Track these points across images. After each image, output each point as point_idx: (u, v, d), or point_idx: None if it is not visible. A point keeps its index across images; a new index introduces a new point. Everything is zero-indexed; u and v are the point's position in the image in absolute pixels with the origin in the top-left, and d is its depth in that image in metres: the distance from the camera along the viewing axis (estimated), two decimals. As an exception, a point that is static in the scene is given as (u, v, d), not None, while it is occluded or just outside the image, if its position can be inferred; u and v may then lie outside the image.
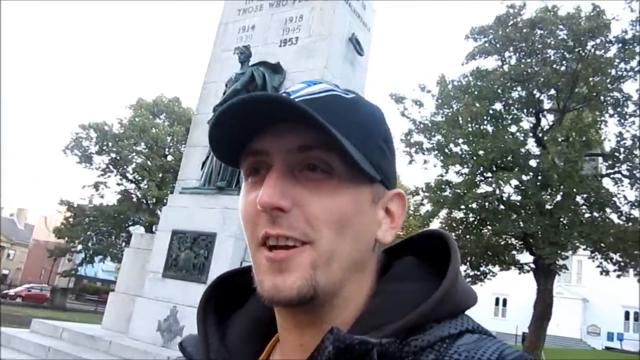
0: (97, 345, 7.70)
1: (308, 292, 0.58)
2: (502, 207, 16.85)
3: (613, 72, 16.80)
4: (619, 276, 17.27)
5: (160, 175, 31.96)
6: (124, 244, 32.30)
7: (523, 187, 16.55)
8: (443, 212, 18.62)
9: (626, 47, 16.43)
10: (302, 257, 0.59)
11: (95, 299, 46.90)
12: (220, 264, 7.42)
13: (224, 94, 8.95)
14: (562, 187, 15.77)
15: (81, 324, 9.77)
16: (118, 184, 34.01)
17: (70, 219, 30.82)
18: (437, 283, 0.62)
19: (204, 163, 8.79)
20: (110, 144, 31.87)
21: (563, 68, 17.16)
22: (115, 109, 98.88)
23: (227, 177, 8.25)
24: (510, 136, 17.77)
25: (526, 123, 18.92)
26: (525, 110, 18.56)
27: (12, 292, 38.06)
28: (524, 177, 16.49)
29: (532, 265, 17.43)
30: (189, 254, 7.87)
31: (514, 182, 16.84)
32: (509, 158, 16.74)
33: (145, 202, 33.02)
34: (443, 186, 18.23)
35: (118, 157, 31.87)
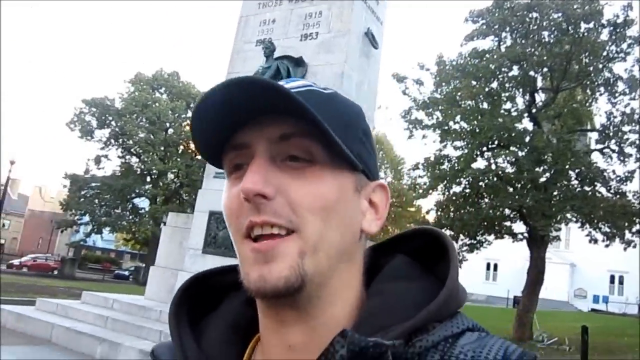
0: (148, 315, 8.64)
1: (296, 281, 0.57)
2: (498, 181, 17.76)
3: (604, 53, 17.64)
4: (607, 245, 18.31)
5: (163, 148, 32.77)
6: (130, 215, 33.37)
7: (518, 163, 17.48)
8: (441, 186, 19.51)
9: (617, 30, 17.26)
10: (289, 247, 0.58)
11: (100, 267, 48.02)
12: (257, 243, 8.33)
13: (250, 86, 9.64)
14: (556, 163, 16.72)
15: (124, 294, 10.73)
16: (119, 157, 34.90)
17: (76, 192, 31.71)
18: (434, 282, 0.63)
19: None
20: (111, 118, 32.57)
21: (557, 49, 17.90)
22: (115, 84, 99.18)
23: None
24: (506, 114, 18.68)
25: (520, 101, 19.80)
26: (520, 89, 19.39)
27: (17, 262, 38.15)
28: (520, 154, 17.44)
29: (526, 235, 18.32)
30: (227, 232, 8.70)
31: (510, 158, 17.81)
32: (505, 135, 17.66)
33: (149, 174, 33.94)
34: (441, 160, 19.17)
35: (120, 131, 32.60)
